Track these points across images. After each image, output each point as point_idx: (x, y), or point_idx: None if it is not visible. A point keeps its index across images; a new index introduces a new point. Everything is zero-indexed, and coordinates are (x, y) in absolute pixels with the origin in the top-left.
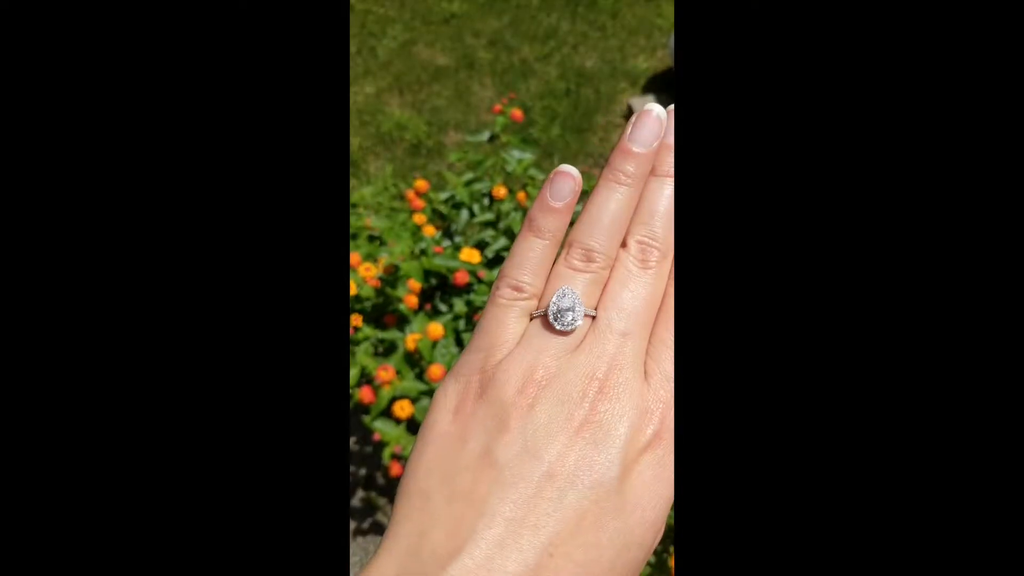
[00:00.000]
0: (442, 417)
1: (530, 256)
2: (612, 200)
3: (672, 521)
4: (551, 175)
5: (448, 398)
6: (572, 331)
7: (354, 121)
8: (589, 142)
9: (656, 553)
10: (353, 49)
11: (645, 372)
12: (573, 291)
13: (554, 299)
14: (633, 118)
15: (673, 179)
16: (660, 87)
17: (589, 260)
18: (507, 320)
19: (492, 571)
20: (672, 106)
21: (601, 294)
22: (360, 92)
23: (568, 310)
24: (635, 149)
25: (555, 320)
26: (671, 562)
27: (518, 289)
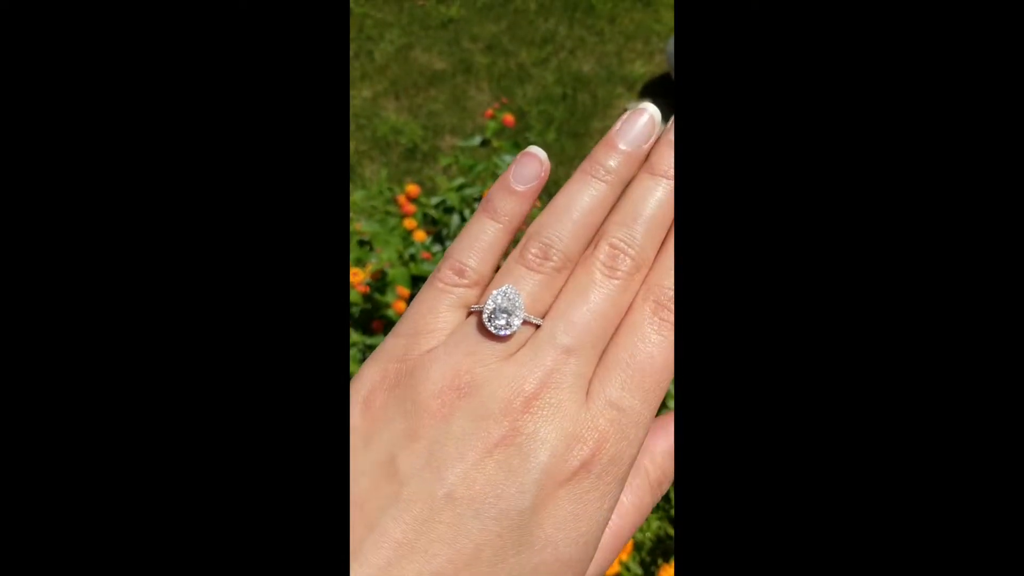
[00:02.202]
0: (351, 409)
1: (481, 239)
2: (585, 194)
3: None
4: (518, 156)
5: (361, 386)
6: (506, 337)
7: (350, 125)
8: (586, 147)
9: (645, 565)
10: (350, 53)
11: (588, 394)
12: (516, 291)
13: (492, 296)
14: (625, 115)
15: (671, 181)
16: (657, 92)
17: (545, 258)
18: (439, 307)
19: None
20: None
21: (554, 300)
22: (357, 96)
23: (504, 312)
24: (621, 146)
25: (488, 320)
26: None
27: (460, 273)
